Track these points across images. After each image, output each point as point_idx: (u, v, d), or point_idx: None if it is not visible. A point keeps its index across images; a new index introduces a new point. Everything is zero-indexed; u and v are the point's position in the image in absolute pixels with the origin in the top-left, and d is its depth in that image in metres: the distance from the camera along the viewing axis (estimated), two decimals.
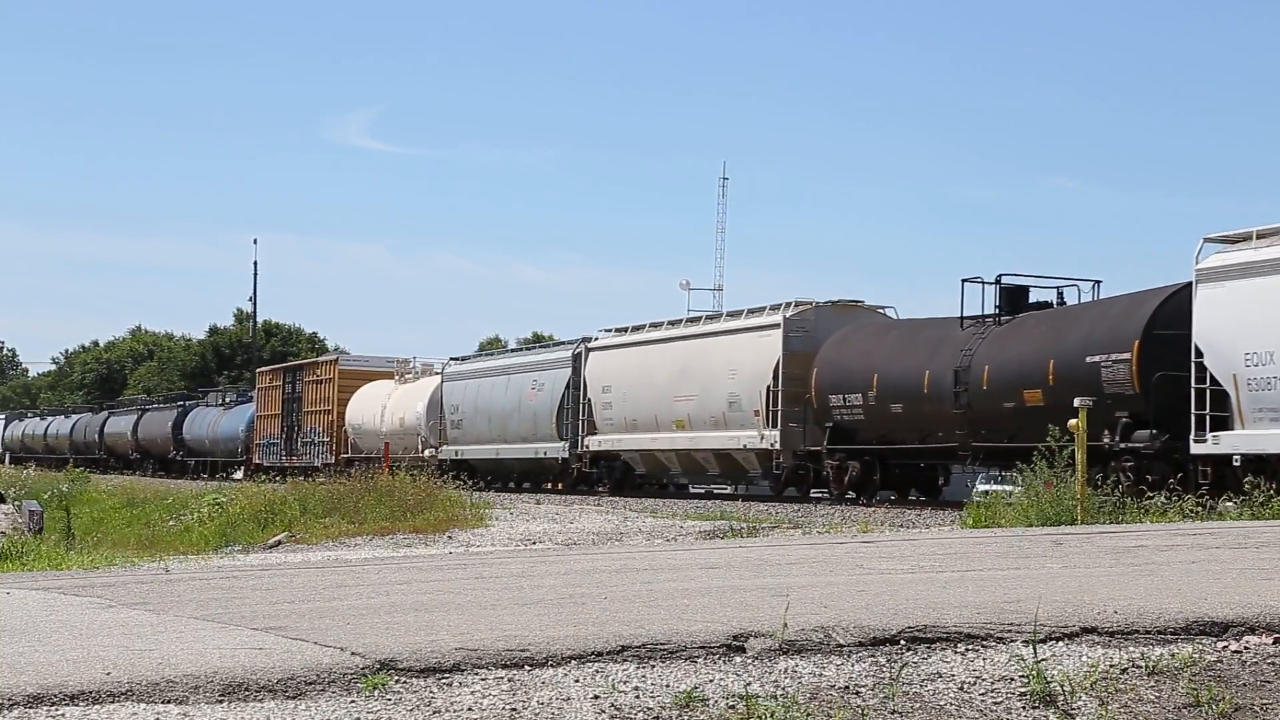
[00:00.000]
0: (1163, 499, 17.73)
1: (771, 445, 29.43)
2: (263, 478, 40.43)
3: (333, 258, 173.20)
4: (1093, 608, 6.35)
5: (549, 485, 40.68)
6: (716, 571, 8.92)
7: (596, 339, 37.01)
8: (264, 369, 58.88)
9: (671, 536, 19.49)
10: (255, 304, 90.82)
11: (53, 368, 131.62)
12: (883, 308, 30.75)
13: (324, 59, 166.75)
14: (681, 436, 32.35)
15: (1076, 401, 18.26)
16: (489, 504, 27.32)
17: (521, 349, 42.54)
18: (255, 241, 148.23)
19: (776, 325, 29.83)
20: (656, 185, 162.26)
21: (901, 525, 19.75)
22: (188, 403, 68.06)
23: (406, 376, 46.93)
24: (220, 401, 64.48)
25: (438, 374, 45.11)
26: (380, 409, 45.90)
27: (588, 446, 35.91)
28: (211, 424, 61.65)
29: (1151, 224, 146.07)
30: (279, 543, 23.40)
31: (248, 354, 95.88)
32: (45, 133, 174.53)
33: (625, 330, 36.31)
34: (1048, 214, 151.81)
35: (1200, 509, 17.27)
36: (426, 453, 41.73)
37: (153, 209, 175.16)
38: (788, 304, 30.17)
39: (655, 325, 35.06)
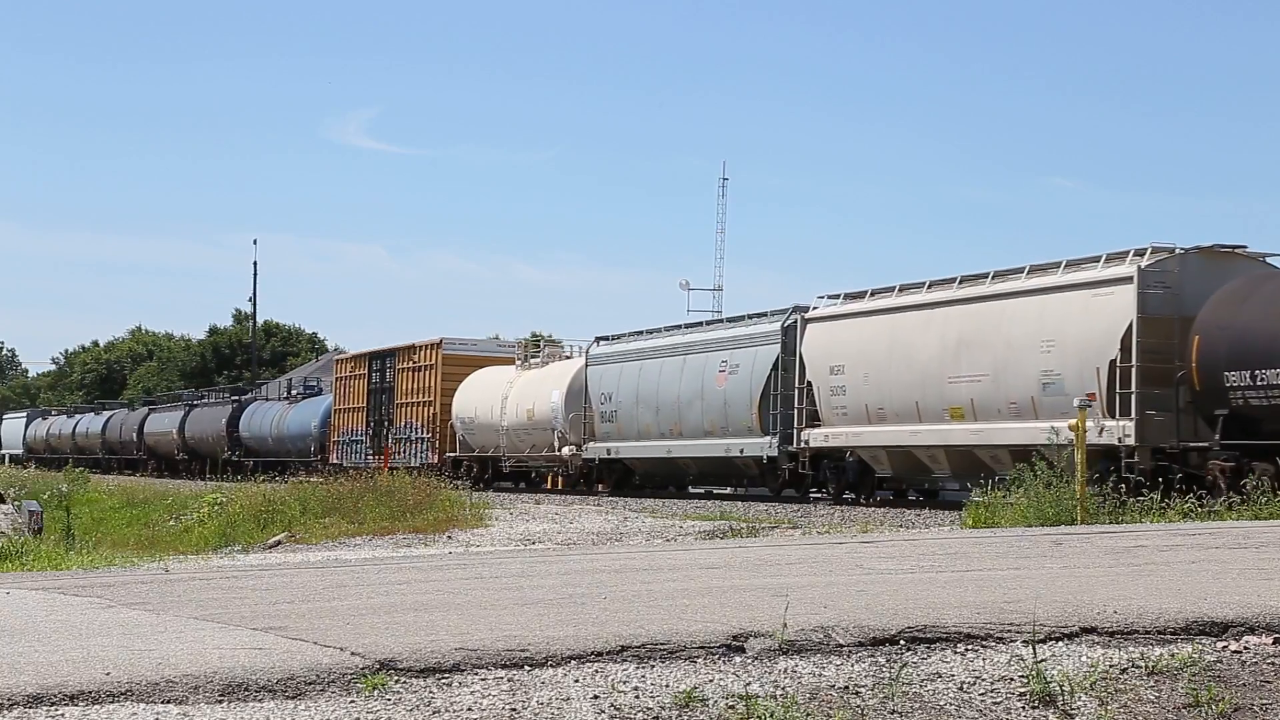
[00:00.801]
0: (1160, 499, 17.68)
1: (1120, 440, 21.68)
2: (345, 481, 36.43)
3: (332, 258, 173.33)
4: (1092, 608, 6.35)
5: (728, 488, 34.41)
6: (716, 571, 8.92)
7: (815, 307, 29.19)
8: (343, 356, 50.90)
9: (671, 537, 19.49)
10: (255, 304, 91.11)
11: (53, 368, 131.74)
12: (1267, 255, 23.03)
13: (324, 59, 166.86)
14: (960, 429, 24.64)
15: (1076, 401, 18.25)
16: (488, 504, 27.33)
17: (701, 323, 33.84)
18: (255, 242, 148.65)
19: (1126, 279, 22.15)
20: (656, 185, 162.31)
21: (901, 525, 19.75)
22: (243, 397, 61.36)
23: (533, 361, 39.61)
24: (285, 394, 57.76)
25: (570, 358, 39.00)
26: (500, 400, 38.67)
27: (807, 442, 28.02)
28: (276, 420, 54.49)
29: (1151, 224, 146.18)
30: (279, 543, 23.42)
31: (247, 354, 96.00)
32: (45, 133, 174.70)
33: (862, 295, 28.15)
34: (1047, 214, 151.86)
35: (1200, 509, 17.25)
36: (565, 451, 35.66)
37: (153, 209, 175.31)
38: (1138, 251, 22.70)
39: (910, 287, 26.86)
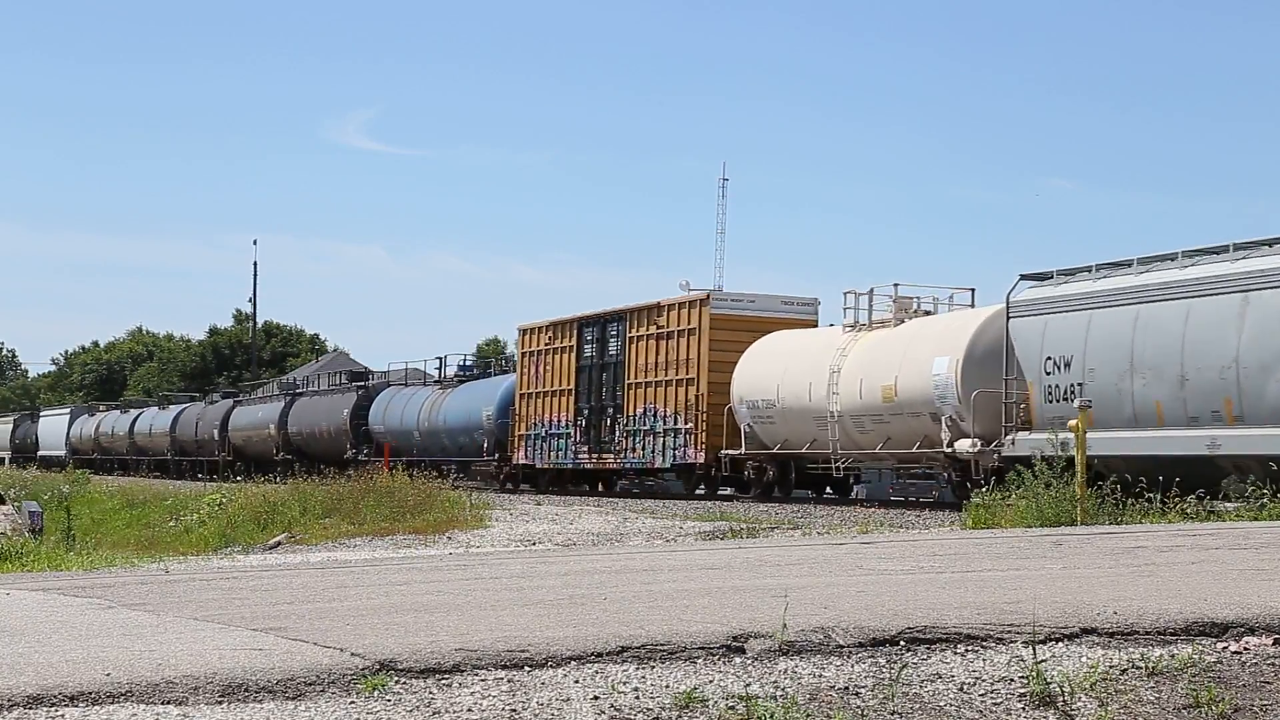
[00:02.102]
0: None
1: None
2: (526, 487, 30.05)
3: (331, 258, 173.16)
4: (1092, 608, 6.35)
5: None
6: (716, 572, 8.92)
7: None
8: (531, 325, 37.74)
9: (671, 537, 19.49)
10: (255, 305, 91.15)
11: (53, 368, 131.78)
12: None
13: (322, 59, 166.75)
14: None
15: (1076, 403, 18.26)
16: (488, 504, 27.33)
17: (1266, 241, 20.76)
18: (255, 242, 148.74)
19: None
20: (656, 185, 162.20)
21: (901, 526, 19.75)
22: (370, 382, 50.75)
23: (877, 323, 27.59)
24: (435, 378, 46.05)
25: (929, 312, 27.75)
26: (826, 373, 27.24)
27: None
28: (426, 410, 43.04)
29: (1150, 225, 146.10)
30: (279, 543, 23.41)
31: (247, 355, 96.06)
32: (45, 133, 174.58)
33: None
34: (1046, 214, 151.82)
35: (1200, 510, 17.24)
36: (961, 445, 24.26)
37: (153, 209, 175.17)
38: None
39: None
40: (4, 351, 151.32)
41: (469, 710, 4.86)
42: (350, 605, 7.21)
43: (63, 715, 4.65)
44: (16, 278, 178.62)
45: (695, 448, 31.03)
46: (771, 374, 29.10)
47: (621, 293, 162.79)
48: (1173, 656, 5.68)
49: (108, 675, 5.01)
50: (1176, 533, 12.21)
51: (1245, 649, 5.83)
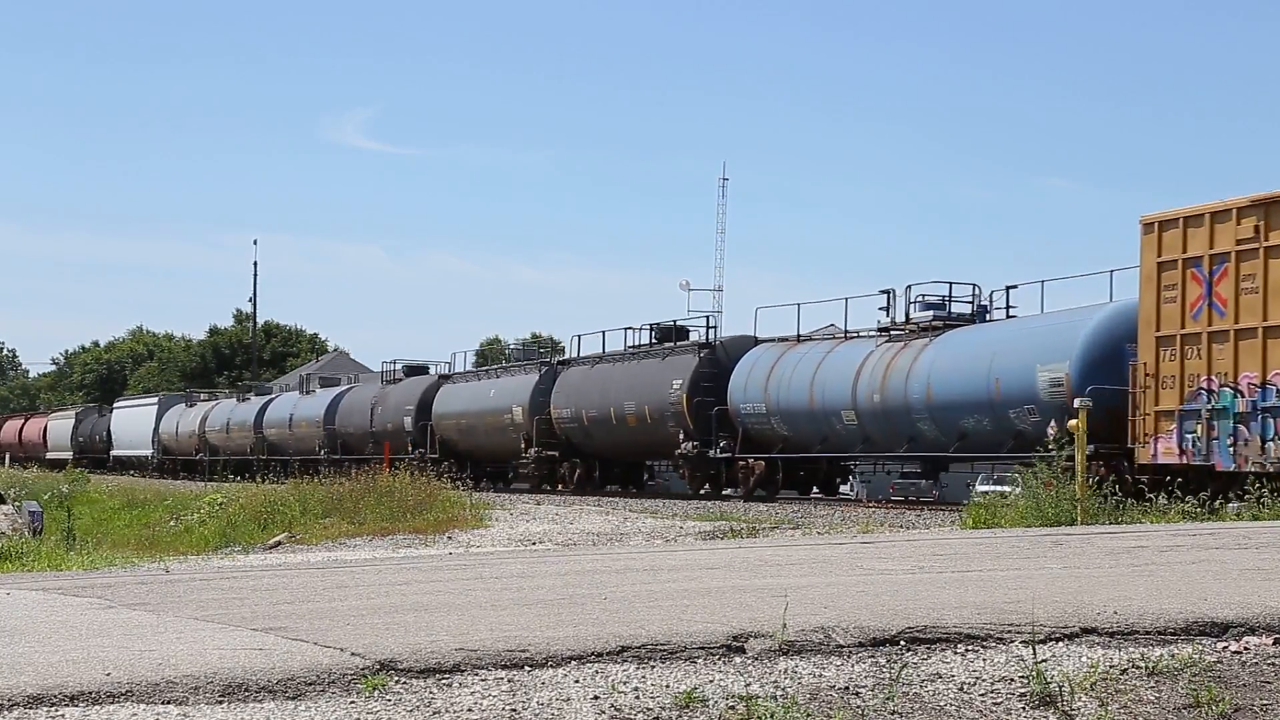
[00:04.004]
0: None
1: None
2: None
3: (330, 258, 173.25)
4: (1093, 608, 6.35)
5: None
6: (716, 572, 8.92)
7: None
8: (1184, 212, 21.50)
9: (671, 537, 19.48)
10: (255, 304, 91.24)
11: (53, 368, 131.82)
12: None
13: (321, 59, 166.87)
14: None
15: (1076, 402, 18.30)
16: (489, 504, 27.32)
17: None
18: (255, 242, 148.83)
19: None
20: (656, 185, 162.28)
21: (901, 526, 19.74)
22: (714, 341, 32.98)
23: None
24: (890, 320, 28.51)
25: None
26: None
27: None
28: (869, 376, 27.37)
29: None
30: (279, 543, 23.42)
31: (247, 354, 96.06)
32: (45, 133, 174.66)
33: None
34: (1045, 214, 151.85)
35: (1201, 510, 17.24)
36: None
37: (153, 209, 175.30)
38: None
39: None
40: (4, 351, 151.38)
41: (469, 710, 4.86)
42: (350, 605, 7.21)
43: (63, 715, 4.64)
44: (16, 278, 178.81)
45: None
46: None
47: (620, 292, 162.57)
48: (1173, 656, 5.68)
49: (108, 675, 5.00)
50: (1176, 533, 12.20)
51: (1245, 649, 5.83)
